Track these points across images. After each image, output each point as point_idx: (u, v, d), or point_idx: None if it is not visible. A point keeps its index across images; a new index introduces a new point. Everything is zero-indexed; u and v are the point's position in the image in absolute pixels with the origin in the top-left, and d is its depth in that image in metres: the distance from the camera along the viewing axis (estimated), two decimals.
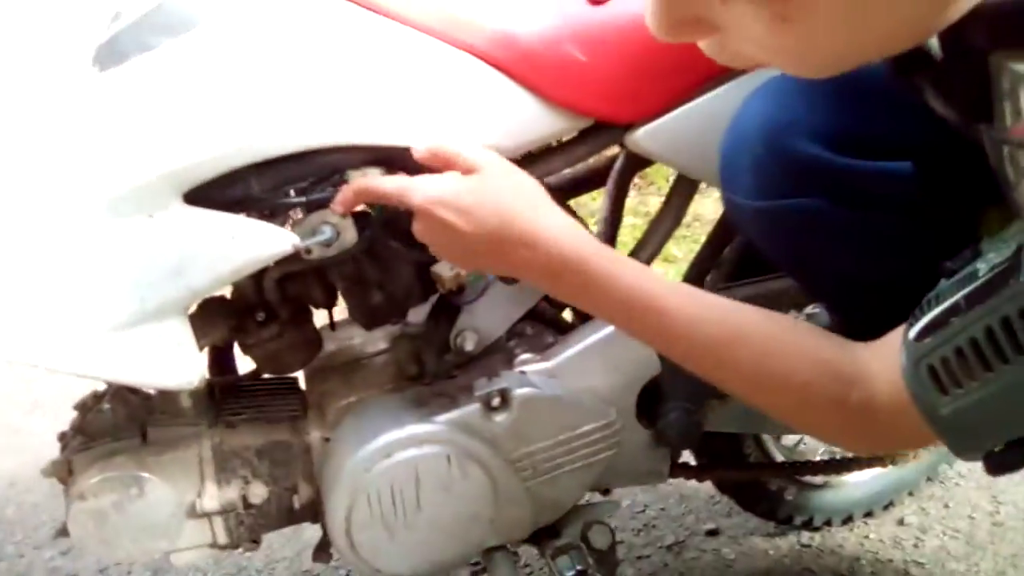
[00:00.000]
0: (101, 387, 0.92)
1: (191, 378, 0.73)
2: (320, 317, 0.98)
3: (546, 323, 0.99)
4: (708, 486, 1.42)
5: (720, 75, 0.87)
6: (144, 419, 0.90)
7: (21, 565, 1.62)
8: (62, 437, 0.94)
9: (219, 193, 0.73)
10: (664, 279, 0.67)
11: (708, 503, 1.47)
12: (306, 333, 0.94)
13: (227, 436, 0.90)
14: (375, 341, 1.01)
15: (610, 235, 1.11)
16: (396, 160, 0.82)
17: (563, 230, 0.67)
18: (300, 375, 1.01)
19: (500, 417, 0.89)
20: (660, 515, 1.48)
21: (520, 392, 0.89)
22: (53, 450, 1.95)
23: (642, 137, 0.87)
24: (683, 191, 1.00)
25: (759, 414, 1.01)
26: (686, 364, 0.68)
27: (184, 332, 0.72)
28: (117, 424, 0.90)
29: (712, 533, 1.41)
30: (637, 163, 1.10)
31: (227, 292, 0.93)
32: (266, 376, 0.99)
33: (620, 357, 0.95)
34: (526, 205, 0.68)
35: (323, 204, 0.79)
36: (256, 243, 0.72)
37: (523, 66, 0.82)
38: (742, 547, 1.36)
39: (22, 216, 0.65)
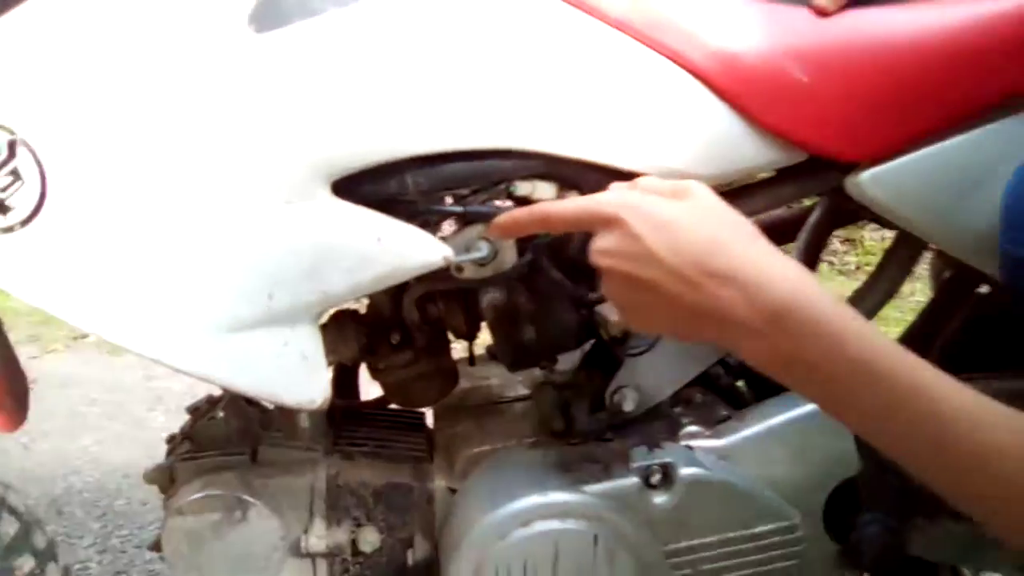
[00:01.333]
0: (219, 391, 0.84)
1: (315, 397, 0.62)
2: (458, 348, 0.87)
3: (720, 392, 0.83)
4: None
5: (972, 116, 0.71)
6: (258, 434, 0.81)
7: (122, 562, 1.59)
8: (170, 440, 0.87)
9: (369, 187, 0.63)
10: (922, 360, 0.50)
11: None
12: (442, 364, 0.82)
13: (344, 468, 0.79)
14: (515, 385, 0.89)
15: None
16: (571, 177, 0.70)
17: (789, 269, 0.52)
18: (428, 411, 0.90)
19: (660, 498, 0.73)
20: None
21: (687, 472, 0.74)
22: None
23: (869, 181, 0.71)
24: (906, 253, 0.82)
25: (980, 544, 0.82)
26: (934, 471, 0.50)
27: (313, 343, 0.62)
28: (229, 436, 0.81)
29: None
30: (839, 216, 0.93)
31: (362, 307, 0.83)
32: (392, 407, 0.88)
33: (811, 447, 0.77)
34: (744, 237, 0.53)
35: (482, 218, 0.68)
36: (404, 250, 0.61)
37: (731, 79, 0.68)
38: None
39: (155, 193, 0.57)
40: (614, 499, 0.73)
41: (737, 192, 0.77)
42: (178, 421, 2.43)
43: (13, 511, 0.87)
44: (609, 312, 0.72)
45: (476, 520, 0.72)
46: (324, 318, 0.71)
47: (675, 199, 0.53)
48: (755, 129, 0.67)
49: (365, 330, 0.78)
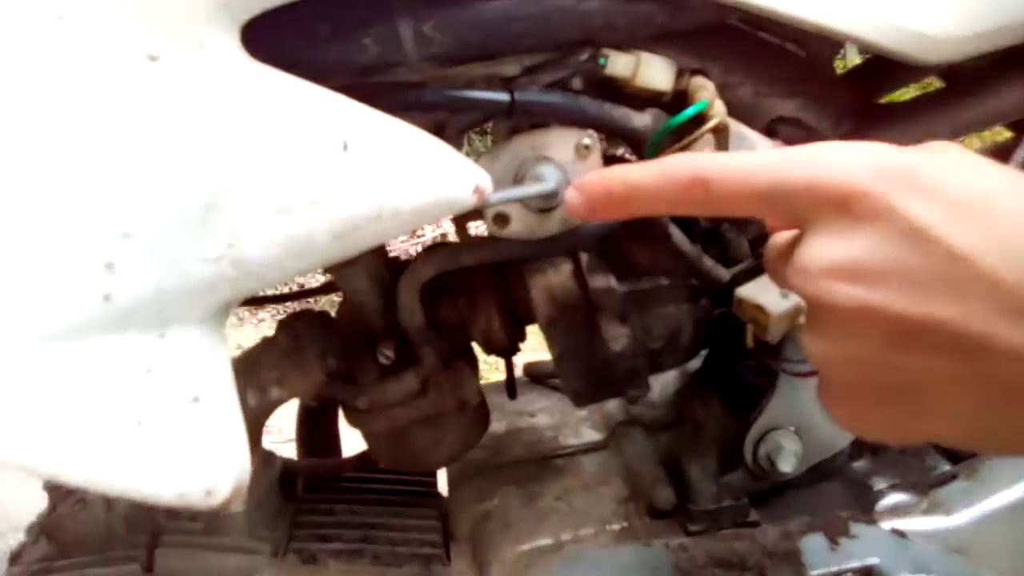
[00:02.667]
0: None
1: (218, 485, 0.28)
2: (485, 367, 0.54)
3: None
4: None
5: None
6: (158, 526, 0.48)
7: None
8: (14, 557, 0.53)
9: (323, 48, 0.31)
10: None
11: None
12: (464, 396, 0.49)
13: None
14: (578, 426, 0.57)
15: None
16: (727, 55, 0.39)
17: None
18: (440, 473, 0.57)
19: None
20: None
21: None
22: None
23: None
24: None
25: None
26: None
27: (210, 368, 0.28)
28: (110, 530, 0.48)
29: None
30: None
31: (330, 306, 0.51)
32: (382, 467, 0.55)
33: None
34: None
35: (548, 117, 0.36)
36: (398, 172, 0.28)
37: None
38: None
39: None
40: None
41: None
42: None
43: None
44: (765, 297, 0.40)
45: None
46: (255, 321, 0.38)
47: (863, 225, 0.25)
48: None
49: (337, 343, 0.46)
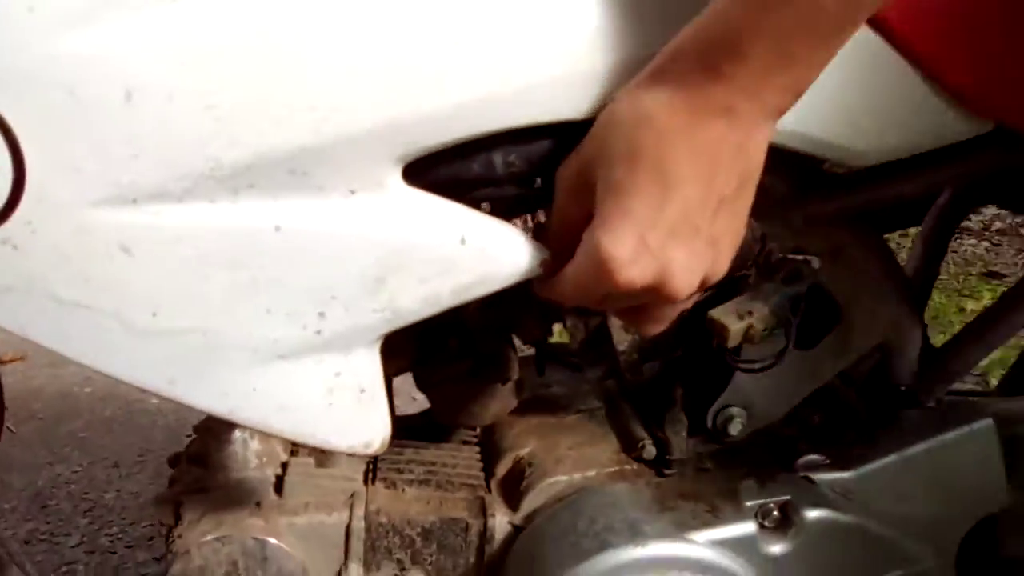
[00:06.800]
0: None
1: (373, 440, 0.48)
2: None
3: (840, 411, 0.70)
4: None
5: None
6: (282, 460, 0.67)
7: (111, 563, 1.46)
8: (174, 460, 0.72)
9: (447, 171, 0.48)
10: None
11: None
12: (505, 375, 0.68)
13: (386, 502, 0.65)
14: (584, 395, 0.75)
15: (921, 289, 0.81)
16: None
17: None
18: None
19: (778, 546, 0.60)
20: None
21: (812, 513, 0.61)
22: (163, 434, 1.75)
23: None
24: None
25: None
26: None
27: (372, 372, 0.47)
28: (247, 461, 0.67)
29: None
30: (972, 199, 0.80)
31: None
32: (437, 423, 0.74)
33: (952, 479, 0.65)
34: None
35: None
36: (494, 253, 0.46)
37: (912, 28, 0.53)
38: None
39: (169, 183, 0.41)
40: (724, 547, 0.60)
41: (896, 167, 0.62)
42: (171, 407, 2.29)
43: None
44: (727, 317, 0.58)
45: (556, 572, 0.59)
46: None
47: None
48: (935, 93, 0.52)
49: (416, 336, 0.64)
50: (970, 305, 2.29)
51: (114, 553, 1.49)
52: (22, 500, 1.64)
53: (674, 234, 0.41)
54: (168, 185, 0.40)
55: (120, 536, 1.55)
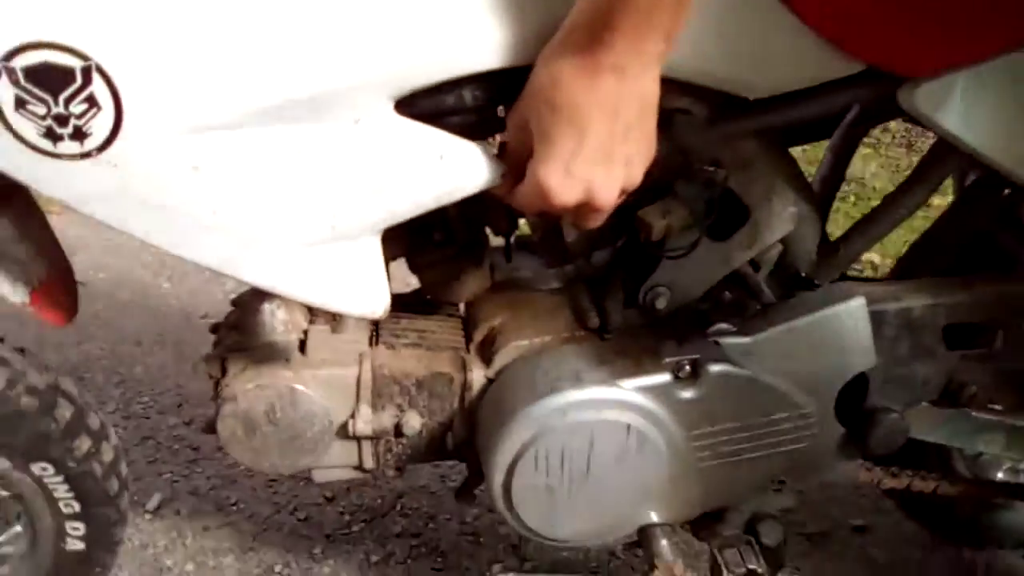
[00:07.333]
0: None
1: (377, 307, 0.65)
2: None
3: (747, 291, 0.87)
4: None
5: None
6: (303, 327, 0.85)
7: (147, 427, 1.66)
8: (215, 329, 0.90)
9: (428, 101, 0.64)
10: None
11: (853, 495, 1.35)
12: (481, 260, 0.85)
13: (388, 359, 0.84)
14: (547, 277, 0.92)
15: (826, 197, 0.97)
16: None
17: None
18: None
19: (688, 391, 0.79)
20: (799, 498, 1.37)
21: (715, 368, 0.79)
22: (178, 316, 1.95)
23: (921, 96, 0.71)
24: (944, 164, 0.83)
25: (974, 428, 0.90)
26: None
27: (375, 256, 0.64)
28: (275, 328, 0.84)
29: (859, 529, 1.30)
30: (874, 116, 0.94)
31: None
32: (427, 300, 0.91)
33: (832, 344, 0.82)
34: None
35: None
36: (466, 167, 0.62)
37: None
38: (893, 552, 1.24)
39: (226, 119, 0.56)
40: (646, 392, 0.78)
41: (789, 97, 0.77)
42: (182, 289, 2.47)
43: (67, 396, 0.91)
44: (652, 216, 0.75)
45: (517, 410, 0.77)
46: None
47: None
48: (815, 39, 0.67)
49: (410, 229, 0.80)
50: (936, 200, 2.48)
51: (147, 419, 1.69)
52: (59, 375, 1.83)
53: (592, 162, 0.57)
54: (226, 119, 0.55)
55: (151, 404, 1.74)
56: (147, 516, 1.38)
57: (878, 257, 2.07)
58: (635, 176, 0.62)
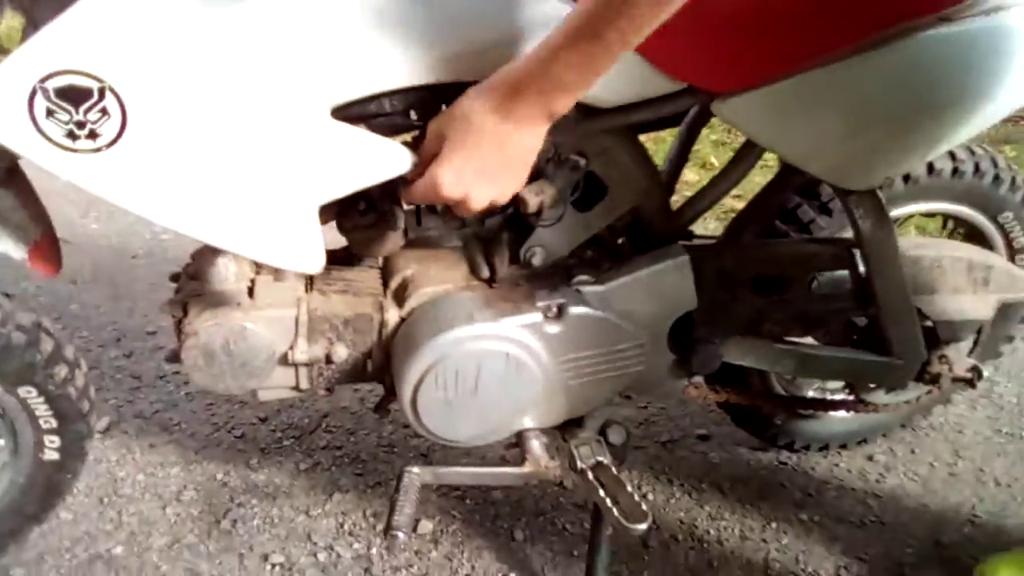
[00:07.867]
0: None
1: (315, 264, 0.86)
2: None
3: (605, 250, 1.12)
4: None
5: (813, 61, 0.94)
6: (250, 277, 1.05)
7: (89, 360, 1.80)
8: (175, 278, 1.09)
9: (358, 108, 0.84)
10: None
11: (703, 410, 1.65)
12: (397, 224, 1.07)
13: (321, 303, 1.05)
14: (451, 237, 1.15)
15: (672, 174, 1.22)
16: None
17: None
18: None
19: (555, 328, 1.03)
20: (660, 414, 1.66)
21: (575, 309, 1.03)
22: (109, 255, 2.09)
23: (727, 108, 0.96)
24: (754, 152, 1.10)
25: (772, 354, 1.18)
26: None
27: (314, 222, 0.85)
28: (227, 277, 1.04)
29: (703, 438, 1.60)
30: (709, 114, 1.19)
31: None
32: (353, 255, 1.13)
33: (663, 291, 1.08)
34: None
35: None
36: (386, 161, 0.83)
37: None
38: (728, 454, 1.55)
39: (210, 123, 0.76)
40: (522, 328, 1.02)
41: (633, 106, 1.00)
42: (112, 226, 2.59)
43: (48, 332, 1.09)
44: (528, 194, 0.98)
45: (422, 343, 1.00)
46: None
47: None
48: (648, 65, 0.90)
49: (340, 201, 1.01)
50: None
51: (89, 351, 1.85)
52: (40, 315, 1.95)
53: (477, 175, 0.79)
54: (201, 124, 0.75)
55: (91, 339, 1.90)
56: (98, 436, 1.55)
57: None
58: (504, 196, 0.85)
